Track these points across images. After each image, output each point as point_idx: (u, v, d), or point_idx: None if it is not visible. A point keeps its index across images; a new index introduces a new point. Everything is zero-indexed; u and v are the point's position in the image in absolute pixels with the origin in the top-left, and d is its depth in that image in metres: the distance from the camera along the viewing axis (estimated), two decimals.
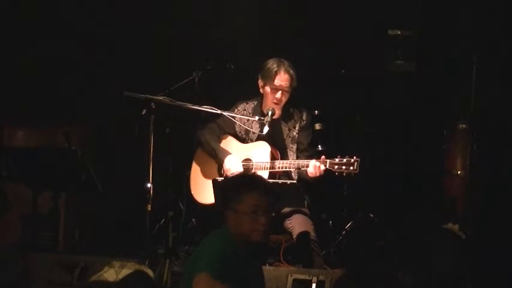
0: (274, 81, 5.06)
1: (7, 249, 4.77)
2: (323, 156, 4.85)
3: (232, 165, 5.08)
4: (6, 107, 6.01)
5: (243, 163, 5.13)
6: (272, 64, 5.10)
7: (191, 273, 3.49)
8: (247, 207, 3.60)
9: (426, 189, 6.13)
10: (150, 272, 2.73)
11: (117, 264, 2.66)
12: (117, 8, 6.31)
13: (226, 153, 5.13)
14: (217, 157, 5.15)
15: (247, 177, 3.98)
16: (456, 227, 3.95)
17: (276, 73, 5.06)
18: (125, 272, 2.65)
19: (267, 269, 4.56)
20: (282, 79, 5.06)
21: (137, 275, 2.66)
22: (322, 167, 4.82)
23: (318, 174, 4.83)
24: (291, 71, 5.07)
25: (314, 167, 4.83)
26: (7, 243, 5.28)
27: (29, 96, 6.17)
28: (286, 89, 5.08)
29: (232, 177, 4.51)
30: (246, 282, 3.58)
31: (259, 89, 5.18)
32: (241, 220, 3.60)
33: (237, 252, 3.62)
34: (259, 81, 5.15)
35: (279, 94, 5.07)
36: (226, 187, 3.81)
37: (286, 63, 5.09)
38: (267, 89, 5.10)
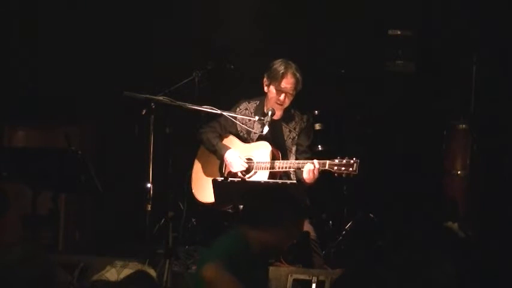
0: (280, 83, 5.07)
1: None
2: (315, 160, 4.83)
3: (234, 160, 5.09)
4: (6, 107, 6.01)
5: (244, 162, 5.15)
6: (280, 65, 5.10)
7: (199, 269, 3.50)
8: (299, 230, 3.76)
9: (426, 189, 6.12)
10: (152, 272, 2.72)
11: (119, 264, 2.66)
12: (117, 8, 6.31)
13: (226, 148, 5.15)
14: (218, 153, 5.15)
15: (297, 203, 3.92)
16: (456, 225, 3.95)
17: (282, 75, 5.06)
18: (126, 271, 2.64)
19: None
20: (288, 82, 5.07)
21: (139, 275, 2.66)
22: (316, 172, 4.81)
23: (312, 178, 4.82)
24: (298, 74, 5.08)
25: (308, 171, 4.82)
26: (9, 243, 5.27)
27: (29, 96, 6.17)
28: (290, 92, 5.09)
29: (285, 198, 3.93)
30: (251, 282, 3.58)
31: (263, 87, 5.19)
32: (286, 237, 3.64)
33: (248, 254, 3.61)
34: (265, 79, 5.17)
35: (282, 96, 5.08)
36: (282, 204, 3.71)
37: (293, 66, 5.10)
38: (272, 89, 5.11)
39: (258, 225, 3.63)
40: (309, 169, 4.81)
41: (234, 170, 5.11)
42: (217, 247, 3.62)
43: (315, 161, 4.83)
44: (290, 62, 5.13)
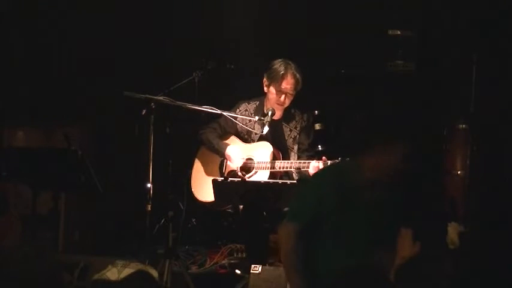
0: (280, 84, 5.08)
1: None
2: (324, 158, 4.87)
3: (234, 155, 5.11)
4: (6, 107, 6.01)
5: (245, 162, 5.16)
6: (279, 66, 5.11)
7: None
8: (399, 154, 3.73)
9: (426, 189, 6.11)
10: (154, 273, 2.71)
11: (120, 263, 2.65)
12: (117, 7, 6.30)
13: (226, 144, 5.17)
14: (219, 151, 5.17)
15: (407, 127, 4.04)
16: (457, 224, 3.95)
17: (282, 76, 5.07)
18: (127, 271, 2.63)
19: (267, 269, 4.57)
20: (288, 83, 5.09)
21: (139, 274, 2.65)
22: (321, 166, 4.84)
23: None
24: (298, 75, 5.09)
25: (314, 168, 4.86)
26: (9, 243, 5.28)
27: (29, 96, 6.17)
28: (291, 92, 5.11)
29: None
30: (365, 205, 3.69)
31: (263, 87, 5.20)
32: (390, 156, 3.71)
33: (360, 179, 3.70)
34: (265, 79, 5.18)
35: (283, 97, 5.10)
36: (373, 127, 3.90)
37: (293, 66, 5.11)
38: (272, 89, 5.12)
39: (361, 150, 3.75)
40: (315, 166, 4.85)
41: (234, 164, 5.11)
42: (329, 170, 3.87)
43: (320, 162, 4.86)
44: (290, 62, 5.14)
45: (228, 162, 5.18)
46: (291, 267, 3.67)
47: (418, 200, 4.26)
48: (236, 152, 5.14)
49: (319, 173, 4.06)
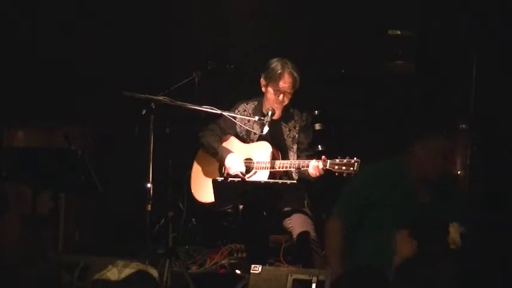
0: (278, 83, 5.07)
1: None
2: (323, 157, 4.86)
3: (233, 164, 5.09)
4: (6, 107, 6.01)
5: (244, 162, 5.15)
6: (276, 65, 5.09)
7: None
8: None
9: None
10: (154, 273, 2.72)
11: (120, 263, 2.66)
12: (117, 7, 6.31)
13: (228, 151, 5.15)
14: (219, 156, 5.15)
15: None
16: (457, 224, 3.96)
17: (280, 76, 5.06)
18: (127, 271, 2.64)
19: (267, 269, 4.56)
20: (285, 82, 5.07)
21: (140, 274, 2.66)
22: (321, 166, 4.83)
23: (318, 174, 4.86)
24: (295, 73, 5.08)
25: (313, 167, 4.85)
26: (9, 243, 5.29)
27: (29, 96, 6.17)
28: (289, 91, 5.10)
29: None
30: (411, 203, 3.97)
31: (261, 87, 5.19)
32: (427, 156, 3.98)
33: (408, 178, 4.00)
34: (262, 79, 5.17)
35: (281, 96, 5.09)
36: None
37: (290, 64, 5.09)
38: (270, 89, 5.12)
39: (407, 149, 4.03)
40: (314, 165, 4.84)
41: (231, 172, 5.09)
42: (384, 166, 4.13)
43: (320, 162, 4.85)
44: (287, 61, 5.12)
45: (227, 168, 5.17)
46: (333, 250, 4.12)
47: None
48: (235, 161, 5.10)
49: (373, 166, 4.34)
